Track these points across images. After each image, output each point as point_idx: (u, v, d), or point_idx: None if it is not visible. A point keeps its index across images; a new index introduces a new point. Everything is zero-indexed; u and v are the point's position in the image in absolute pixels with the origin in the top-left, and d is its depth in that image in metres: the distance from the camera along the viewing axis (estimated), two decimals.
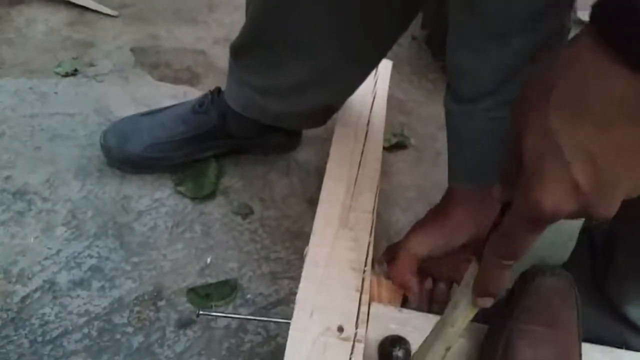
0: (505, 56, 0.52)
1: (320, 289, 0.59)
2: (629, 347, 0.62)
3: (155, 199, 0.88)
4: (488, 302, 0.40)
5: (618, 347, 0.60)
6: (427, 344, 0.47)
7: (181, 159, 0.91)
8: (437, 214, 0.62)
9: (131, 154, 0.88)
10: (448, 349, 0.45)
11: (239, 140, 0.93)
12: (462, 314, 0.43)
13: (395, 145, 1.05)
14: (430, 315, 0.59)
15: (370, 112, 0.91)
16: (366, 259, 0.64)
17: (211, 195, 0.90)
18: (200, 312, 0.63)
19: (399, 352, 0.55)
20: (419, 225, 0.63)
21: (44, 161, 0.90)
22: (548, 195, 0.31)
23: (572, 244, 0.73)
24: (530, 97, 0.33)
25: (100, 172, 0.90)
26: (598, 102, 0.29)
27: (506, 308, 0.54)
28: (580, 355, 0.54)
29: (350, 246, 0.65)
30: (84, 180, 0.88)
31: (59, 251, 0.78)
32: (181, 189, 0.89)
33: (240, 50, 0.81)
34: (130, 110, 0.99)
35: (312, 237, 0.65)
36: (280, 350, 0.67)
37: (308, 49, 0.73)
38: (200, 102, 0.91)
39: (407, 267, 0.60)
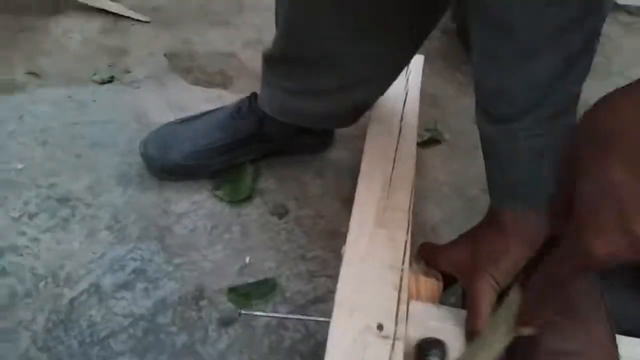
0: (540, 71, 0.50)
1: (359, 287, 0.60)
2: None
3: (193, 202, 0.89)
4: (530, 331, 0.40)
5: None
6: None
7: (220, 165, 0.92)
8: (485, 235, 0.60)
9: (172, 163, 0.89)
10: None
11: (277, 143, 0.94)
12: (501, 338, 0.42)
13: (428, 141, 1.04)
14: None
15: (403, 108, 0.91)
16: (403, 257, 0.64)
17: (248, 199, 0.91)
18: (242, 312, 0.64)
19: (435, 357, 0.55)
20: (469, 242, 0.61)
21: (85, 168, 0.93)
22: (602, 246, 0.31)
23: None
24: (589, 144, 0.32)
25: (141, 178, 0.92)
26: None
27: None
28: (614, 347, 0.53)
29: (387, 245, 0.66)
30: (125, 186, 0.91)
31: (103, 255, 0.80)
32: (219, 193, 0.91)
33: (271, 60, 0.83)
34: (167, 116, 1.02)
35: (348, 236, 0.66)
36: (320, 347, 0.68)
37: (337, 62, 0.74)
38: (238, 108, 0.91)
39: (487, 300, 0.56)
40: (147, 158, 0.91)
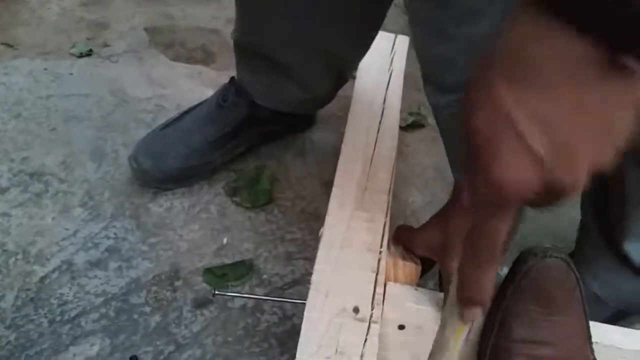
0: (480, 37, 0.49)
1: (336, 270, 0.59)
2: None
3: None
4: (477, 314, 0.38)
5: None
6: None
7: (221, 158, 0.87)
8: (453, 211, 0.59)
9: (171, 169, 0.83)
10: None
11: (271, 125, 0.90)
12: (453, 332, 0.40)
13: (412, 125, 1.03)
14: None
15: (387, 90, 0.89)
16: (382, 240, 0.63)
17: (268, 203, 0.87)
18: (216, 292, 0.63)
19: None
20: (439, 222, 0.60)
21: (60, 142, 0.91)
22: (508, 172, 0.29)
23: None
24: (478, 72, 0.31)
25: (116, 153, 0.90)
26: (541, 65, 0.27)
27: (502, 288, 0.53)
28: (589, 337, 0.53)
29: (365, 227, 0.65)
30: (100, 162, 0.88)
31: (76, 232, 0.79)
32: (237, 199, 0.86)
33: (239, 48, 0.82)
34: (145, 91, 0.99)
35: (327, 218, 0.65)
36: (296, 330, 0.67)
37: (301, 48, 0.73)
38: (224, 97, 0.86)
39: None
40: (142, 172, 0.82)
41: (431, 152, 1.00)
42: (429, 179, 0.95)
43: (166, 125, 0.87)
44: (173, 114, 0.91)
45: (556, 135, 0.28)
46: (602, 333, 0.56)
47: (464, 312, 0.38)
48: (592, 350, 0.53)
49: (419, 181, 0.94)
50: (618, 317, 0.68)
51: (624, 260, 0.65)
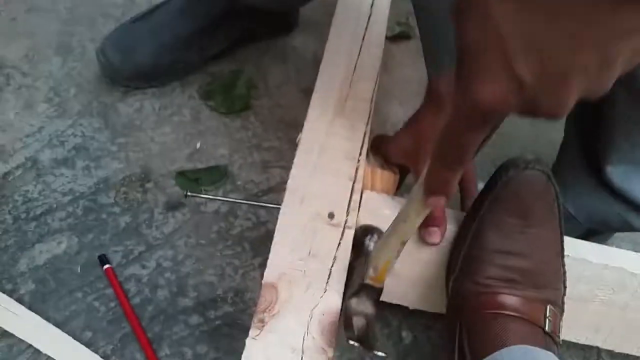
0: None
1: (312, 176, 0.58)
2: (632, 228, 0.65)
3: None
4: (440, 202, 0.38)
5: (622, 229, 0.62)
6: (385, 237, 0.47)
7: (195, 56, 0.82)
8: (426, 113, 0.57)
9: (141, 65, 0.78)
10: (403, 242, 0.44)
11: (248, 22, 0.85)
12: (415, 210, 0.41)
13: (398, 35, 0.99)
14: None
15: None
16: (361, 148, 0.61)
17: (245, 109, 0.83)
18: (189, 193, 0.61)
19: (371, 242, 0.54)
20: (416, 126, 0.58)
21: (21, 34, 0.85)
22: (487, 91, 0.28)
23: None
24: None
25: (83, 49, 0.84)
26: None
27: (480, 198, 0.53)
28: (562, 250, 0.53)
29: (345, 135, 0.63)
30: (65, 57, 0.83)
31: (41, 128, 0.75)
32: (211, 104, 0.82)
33: None
34: None
35: (305, 124, 0.62)
36: (269, 235, 0.65)
37: None
38: None
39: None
40: (111, 67, 0.78)
41: (416, 65, 0.97)
42: (412, 92, 0.92)
43: (137, 19, 0.81)
44: (144, 8, 0.85)
45: (547, 63, 0.26)
46: (573, 247, 0.57)
47: (428, 200, 0.38)
48: (563, 264, 0.53)
49: (401, 94, 0.92)
50: (589, 234, 0.69)
51: (604, 183, 0.65)
